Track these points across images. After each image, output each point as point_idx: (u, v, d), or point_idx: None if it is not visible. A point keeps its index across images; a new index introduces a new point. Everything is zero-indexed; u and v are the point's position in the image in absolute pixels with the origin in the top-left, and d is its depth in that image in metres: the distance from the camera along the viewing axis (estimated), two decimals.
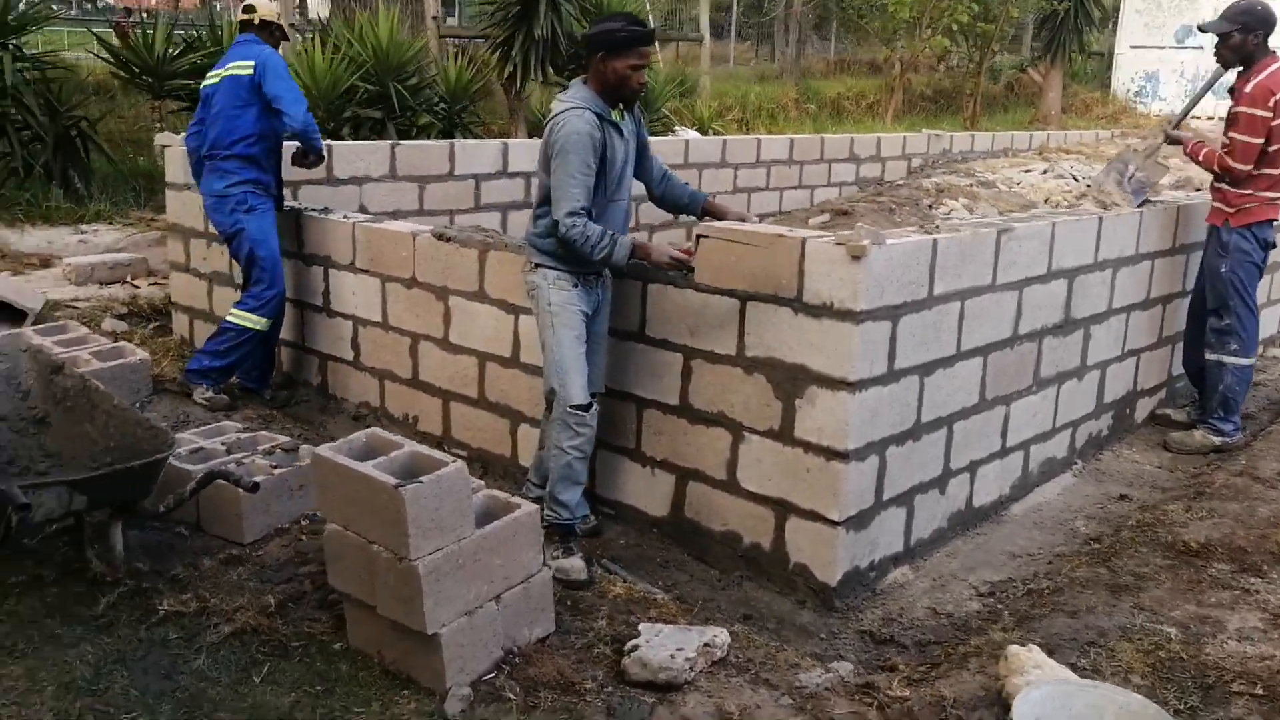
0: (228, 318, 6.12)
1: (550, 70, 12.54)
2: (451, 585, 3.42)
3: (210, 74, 6.20)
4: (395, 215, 7.96)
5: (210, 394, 5.98)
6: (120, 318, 7.59)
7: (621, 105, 4.46)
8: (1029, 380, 5.11)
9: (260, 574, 4.13)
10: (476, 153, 8.86)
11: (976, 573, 4.56)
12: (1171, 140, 6.23)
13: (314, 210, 6.46)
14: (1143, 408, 6.35)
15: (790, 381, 4.20)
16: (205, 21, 13.54)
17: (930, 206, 11.35)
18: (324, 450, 3.57)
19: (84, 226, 9.77)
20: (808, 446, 4.19)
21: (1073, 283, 5.25)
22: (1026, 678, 3.31)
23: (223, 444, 4.78)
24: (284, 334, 6.49)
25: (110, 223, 10.00)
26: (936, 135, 14.42)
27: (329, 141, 7.57)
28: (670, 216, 6.78)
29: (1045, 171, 12.69)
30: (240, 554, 4.26)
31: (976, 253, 4.54)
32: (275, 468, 4.56)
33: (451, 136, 11.83)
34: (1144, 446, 6.03)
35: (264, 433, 5.01)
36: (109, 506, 3.84)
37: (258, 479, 4.00)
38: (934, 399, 4.50)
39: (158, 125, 12.16)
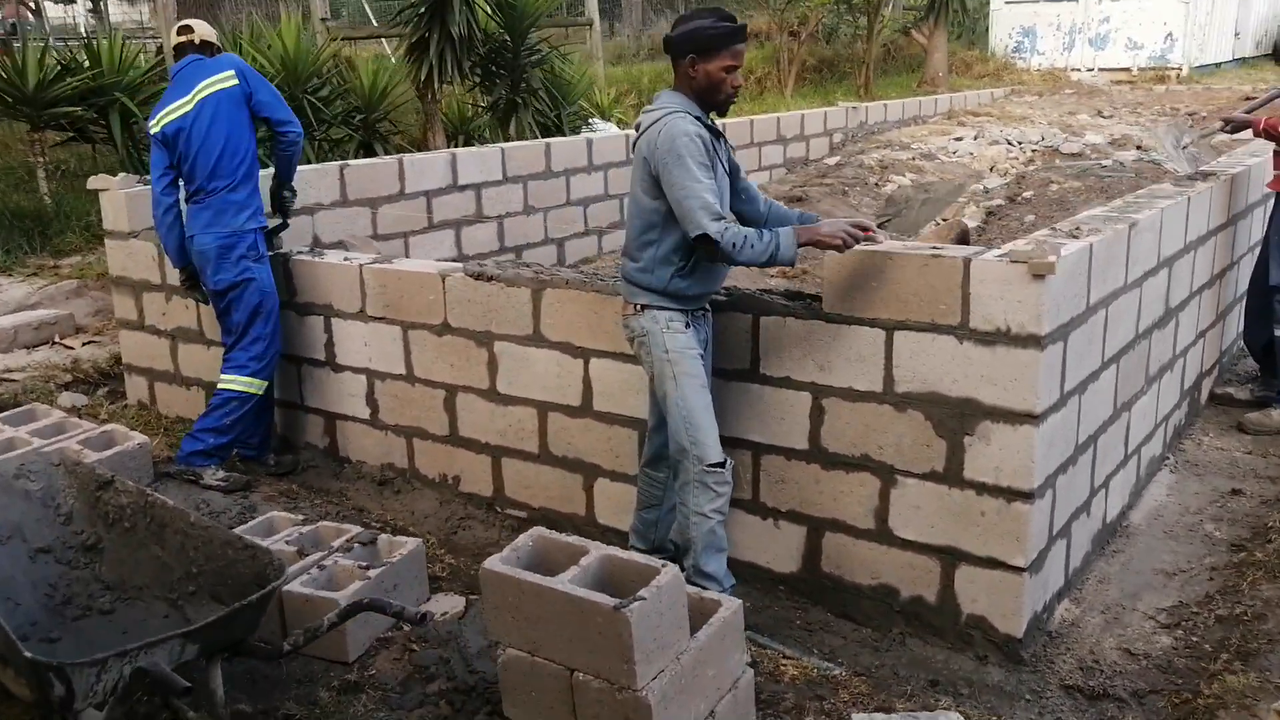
0: (223, 386, 5.40)
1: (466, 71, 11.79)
2: (675, 710, 2.92)
3: (168, 110, 5.31)
4: (346, 245, 7.34)
5: (222, 474, 5.26)
6: (66, 387, 6.77)
7: (714, 113, 4.00)
8: (1143, 380, 4.81)
9: (386, 700, 3.52)
10: (426, 167, 8.32)
11: (1142, 599, 4.24)
12: (1237, 127, 5.96)
13: (305, 252, 5.77)
14: (1204, 388, 6.14)
15: (956, 418, 3.78)
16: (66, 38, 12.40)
17: (877, 184, 11.11)
18: (498, 566, 3.01)
19: None
20: (981, 488, 3.78)
21: (1171, 270, 4.96)
22: None
23: (288, 543, 4.13)
24: (277, 392, 5.80)
25: (10, 274, 9.03)
26: (853, 108, 14.18)
27: None
28: None
29: (977, 138, 12.57)
30: (354, 678, 3.63)
31: (1117, 253, 4.19)
32: (365, 568, 3.95)
33: (371, 150, 11.07)
34: (1218, 431, 5.80)
35: (324, 523, 4.36)
36: (220, 651, 3.20)
37: (417, 609, 3.39)
38: (1087, 417, 4.15)
39: (40, 160, 11.08)
